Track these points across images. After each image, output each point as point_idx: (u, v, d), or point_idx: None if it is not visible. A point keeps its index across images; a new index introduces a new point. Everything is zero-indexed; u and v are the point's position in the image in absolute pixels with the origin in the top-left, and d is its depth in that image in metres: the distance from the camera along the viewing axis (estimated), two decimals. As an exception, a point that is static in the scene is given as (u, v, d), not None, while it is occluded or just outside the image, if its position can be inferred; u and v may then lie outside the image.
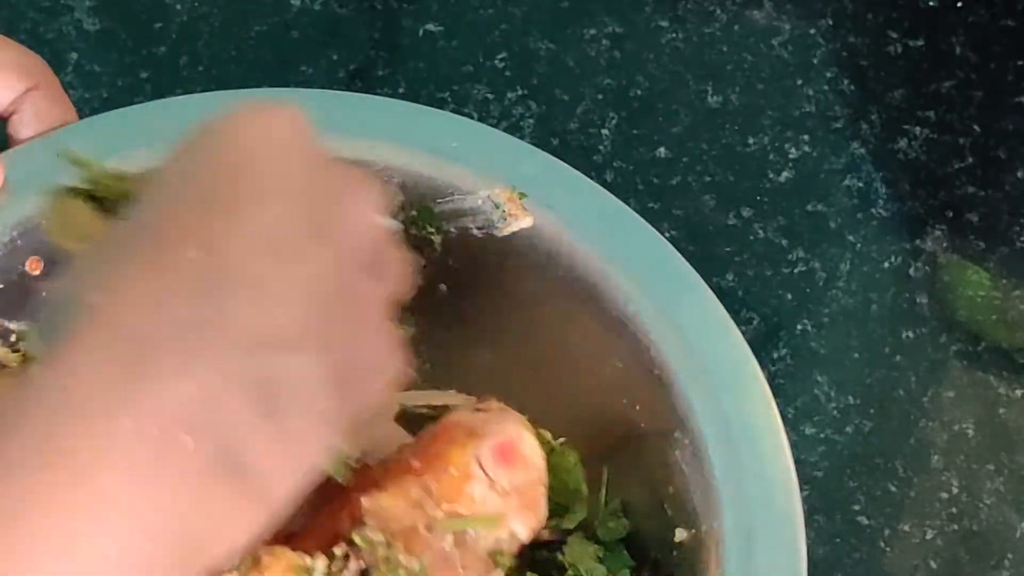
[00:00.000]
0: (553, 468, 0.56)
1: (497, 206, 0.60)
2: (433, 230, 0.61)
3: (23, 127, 0.61)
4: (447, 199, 0.60)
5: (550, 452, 0.57)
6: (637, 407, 0.58)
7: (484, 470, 0.53)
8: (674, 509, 0.56)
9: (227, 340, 0.39)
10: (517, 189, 0.60)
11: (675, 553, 0.56)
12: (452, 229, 0.61)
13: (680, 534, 0.56)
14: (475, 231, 0.60)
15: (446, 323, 0.62)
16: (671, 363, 0.56)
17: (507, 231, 0.60)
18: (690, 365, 0.56)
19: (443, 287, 0.62)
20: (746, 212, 0.77)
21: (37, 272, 0.60)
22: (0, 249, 0.59)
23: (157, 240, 0.41)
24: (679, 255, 0.58)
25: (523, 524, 0.54)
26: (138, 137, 0.61)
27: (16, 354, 0.61)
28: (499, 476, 0.53)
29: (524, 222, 0.59)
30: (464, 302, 0.63)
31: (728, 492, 0.54)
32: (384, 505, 0.52)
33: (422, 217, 0.61)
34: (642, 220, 0.59)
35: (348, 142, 0.61)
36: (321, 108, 0.61)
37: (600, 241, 0.59)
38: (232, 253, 0.40)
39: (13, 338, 0.61)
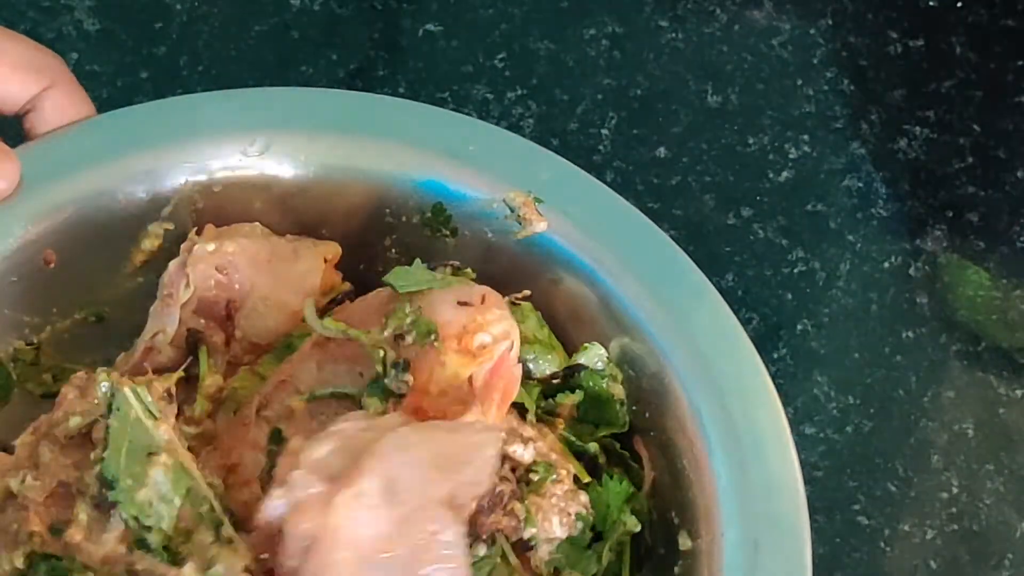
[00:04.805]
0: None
1: (512, 210, 0.60)
2: (448, 232, 0.61)
3: (40, 124, 0.61)
4: (462, 202, 0.60)
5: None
6: (646, 413, 0.58)
7: None
8: (680, 517, 0.56)
9: None
10: (532, 194, 0.60)
11: (680, 561, 0.56)
12: (466, 232, 0.60)
13: (685, 542, 0.55)
14: (489, 234, 0.60)
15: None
16: (680, 369, 0.56)
17: (521, 235, 0.59)
18: (699, 372, 0.56)
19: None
20: (746, 212, 0.77)
21: (52, 265, 0.60)
22: (16, 242, 0.59)
23: None
24: (691, 261, 0.58)
25: None
26: (138, 137, 0.61)
27: (30, 347, 0.60)
28: None
29: (538, 226, 0.59)
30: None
31: (734, 501, 0.54)
32: None
33: (437, 219, 0.61)
34: (654, 226, 0.59)
35: (366, 143, 0.61)
36: (342, 109, 0.61)
37: (612, 246, 0.58)
38: None
39: (26, 330, 0.61)
